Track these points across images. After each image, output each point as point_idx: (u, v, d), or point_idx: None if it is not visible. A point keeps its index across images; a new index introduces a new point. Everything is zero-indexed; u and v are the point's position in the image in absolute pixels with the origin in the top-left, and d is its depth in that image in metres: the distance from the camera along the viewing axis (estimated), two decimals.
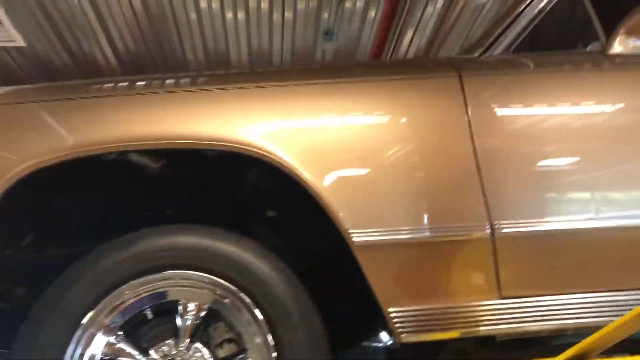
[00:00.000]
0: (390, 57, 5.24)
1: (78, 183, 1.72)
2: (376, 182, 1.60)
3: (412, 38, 5.16)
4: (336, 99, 1.67)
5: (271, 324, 1.53)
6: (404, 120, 1.67)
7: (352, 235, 1.55)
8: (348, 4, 4.76)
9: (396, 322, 1.55)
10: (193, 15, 4.99)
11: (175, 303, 1.59)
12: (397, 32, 5.03)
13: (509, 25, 2.02)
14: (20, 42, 5.15)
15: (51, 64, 5.60)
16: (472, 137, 1.64)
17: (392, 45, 5.21)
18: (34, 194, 1.66)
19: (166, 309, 1.59)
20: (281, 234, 1.88)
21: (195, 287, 1.59)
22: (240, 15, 5.00)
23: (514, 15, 2.04)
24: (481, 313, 1.58)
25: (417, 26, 5.04)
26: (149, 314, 1.59)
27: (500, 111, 1.71)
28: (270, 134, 1.61)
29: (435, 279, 1.59)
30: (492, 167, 1.62)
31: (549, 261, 1.59)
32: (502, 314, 1.58)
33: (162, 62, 5.63)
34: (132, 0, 4.82)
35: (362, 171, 1.61)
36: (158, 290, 1.59)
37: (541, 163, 1.65)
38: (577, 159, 1.67)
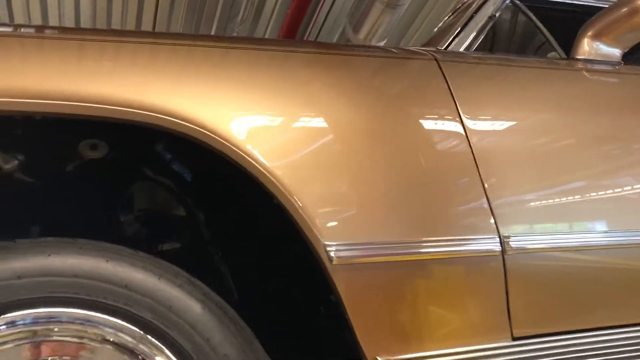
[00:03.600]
0: None
1: None
2: (358, 182, 1.14)
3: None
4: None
5: None
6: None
7: (329, 249, 1.05)
8: None
9: None
10: None
11: None
12: None
13: (462, 28, 1.77)
14: None
15: None
16: (464, 128, 1.27)
17: None
18: None
19: None
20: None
21: (76, 337, 0.97)
22: None
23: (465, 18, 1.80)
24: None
25: None
26: None
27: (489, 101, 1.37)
28: (207, 104, 1.09)
29: (436, 313, 1.14)
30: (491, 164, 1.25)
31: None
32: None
33: None
34: None
35: (339, 166, 1.14)
36: (7, 346, 0.94)
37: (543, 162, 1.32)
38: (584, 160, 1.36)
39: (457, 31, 1.76)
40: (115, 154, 1.30)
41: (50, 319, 0.96)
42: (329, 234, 1.05)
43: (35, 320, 0.96)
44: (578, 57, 1.68)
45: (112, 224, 1.41)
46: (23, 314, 0.95)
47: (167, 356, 0.98)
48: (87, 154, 1.28)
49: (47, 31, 1.23)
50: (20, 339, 0.94)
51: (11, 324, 0.94)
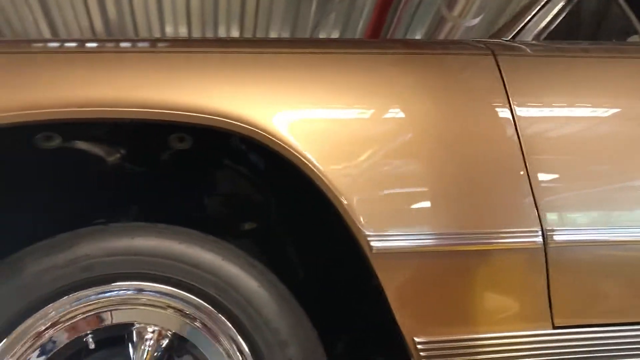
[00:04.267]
0: None
1: None
2: (400, 177, 1.23)
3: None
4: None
5: (260, 358, 1.12)
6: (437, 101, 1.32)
7: (370, 240, 1.17)
8: None
9: (424, 357, 1.17)
10: None
11: (127, 327, 1.16)
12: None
13: (536, 13, 1.76)
14: None
15: None
16: (515, 123, 1.31)
17: None
18: None
19: (113, 337, 1.16)
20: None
21: (154, 306, 1.17)
22: None
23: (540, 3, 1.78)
24: (531, 346, 1.22)
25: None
26: (89, 342, 1.15)
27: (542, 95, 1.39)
28: (268, 109, 1.23)
29: (475, 300, 1.23)
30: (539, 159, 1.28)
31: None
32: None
33: None
34: None
35: (386, 162, 1.24)
36: (101, 310, 1.16)
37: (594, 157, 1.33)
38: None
39: (529, 17, 1.75)
40: (199, 145, 1.48)
41: (139, 291, 1.17)
42: (370, 225, 1.16)
43: (126, 291, 1.16)
44: None
45: (197, 206, 1.61)
46: (117, 285, 1.16)
47: (229, 327, 1.16)
48: (176, 146, 1.47)
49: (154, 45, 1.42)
50: (111, 306, 1.16)
51: (105, 293, 1.15)
